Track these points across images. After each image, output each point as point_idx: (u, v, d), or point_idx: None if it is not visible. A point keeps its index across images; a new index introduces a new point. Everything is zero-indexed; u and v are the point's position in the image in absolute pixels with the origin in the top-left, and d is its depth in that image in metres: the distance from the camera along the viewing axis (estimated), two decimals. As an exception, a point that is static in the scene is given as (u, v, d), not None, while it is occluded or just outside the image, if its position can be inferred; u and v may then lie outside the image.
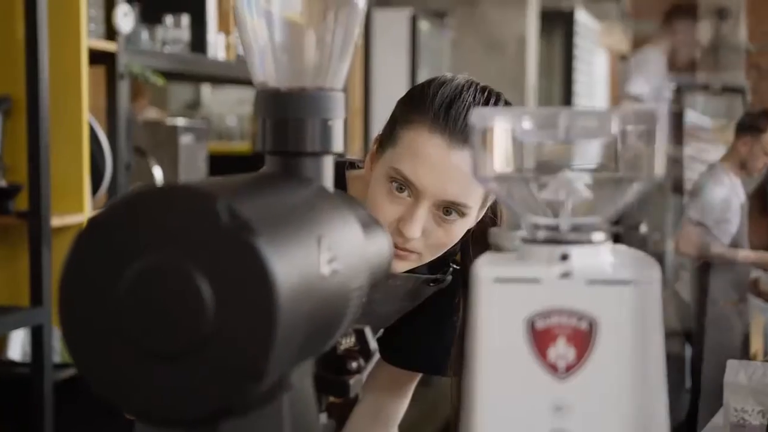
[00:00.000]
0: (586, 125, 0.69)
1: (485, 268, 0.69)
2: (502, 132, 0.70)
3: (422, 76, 5.74)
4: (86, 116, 2.51)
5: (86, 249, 0.64)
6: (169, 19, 3.08)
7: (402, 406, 1.53)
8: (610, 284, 0.67)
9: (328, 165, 0.80)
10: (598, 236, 0.70)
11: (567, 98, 7.40)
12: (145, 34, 2.99)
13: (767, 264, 4.20)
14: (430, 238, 1.27)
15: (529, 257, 0.70)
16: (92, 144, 2.56)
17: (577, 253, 0.69)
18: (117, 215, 0.64)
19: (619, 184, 0.70)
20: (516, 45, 5.61)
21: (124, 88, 2.70)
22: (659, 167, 0.69)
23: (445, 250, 1.30)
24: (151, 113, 4.46)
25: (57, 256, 2.42)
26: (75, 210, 2.51)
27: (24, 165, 2.41)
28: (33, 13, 2.37)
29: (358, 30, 0.81)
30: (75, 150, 2.49)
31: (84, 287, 0.63)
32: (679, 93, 4.68)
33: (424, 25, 5.16)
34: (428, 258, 1.30)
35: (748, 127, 4.08)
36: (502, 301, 0.68)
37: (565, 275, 0.68)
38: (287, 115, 0.78)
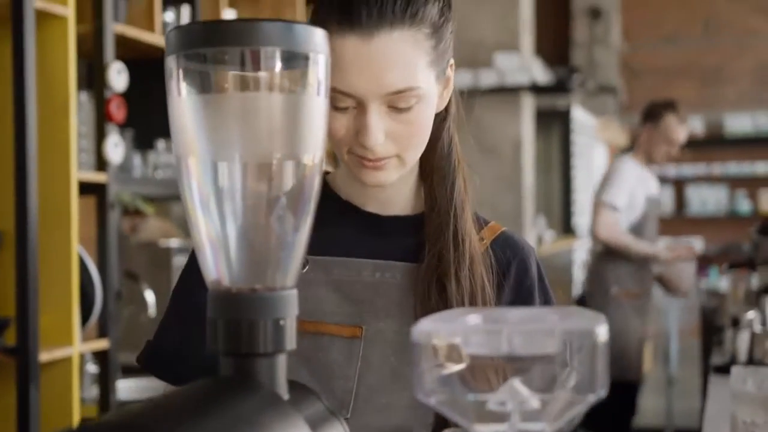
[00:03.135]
0: (528, 341, 0.69)
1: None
2: (445, 346, 0.70)
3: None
4: (75, 248, 2.52)
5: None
6: (161, 144, 3.11)
7: None
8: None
9: (281, 364, 0.79)
10: (548, 448, 0.69)
11: (566, 194, 7.43)
12: (137, 159, 3.02)
13: (661, 258, 4.24)
14: (397, 137, 1.17)
15: (477, 472, 0.69)
16: (82, 275, 2.56)
17: (525, 469, 0.68)
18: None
19: (565, 400, 0.69)
20: (512, 147, 5.65)
21: (114, 218, 2.72)
22: (603, 382, 0.68)
23: (424, 141, 1.21)
24: (154, 225, 4.47)
25: (45, 392, 2.40)
26: (64, 343, 2.50)
27: (13, 298, 2.41)
28: (23, 147, 2.39)
29: (308, 225, 0.82)
30: (64, 283, 2.49)
31: None
32: None
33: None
34: (411, 157, 1.21)
35: (648, 116, 4.31)
36: None
37: (512, 495, 0.67)
38: (239, 316, 0.78)
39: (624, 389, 4.19)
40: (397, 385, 1.24)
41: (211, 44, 0.77)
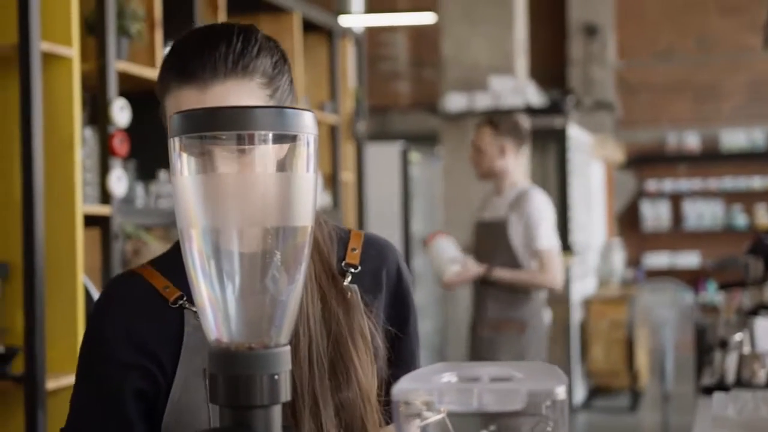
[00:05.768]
0: (497, 399, 0.77)
1: None
2: (422, 403, 0.78)
3: (415, 206, 5.88)
4: (81, 278, 2.60)
5: None
6: (163, 174, 3.20)
7: None
8: None
9: (276, 414, 0.88)
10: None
11: (563, 212, 7.49)
12: (140, 190, 3.11)
13: (524, 283, 3.95)
14: None
15: None
16: (87, 304, 2.64)
17: None
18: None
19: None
20: (507, 168, 5.70)
21: (117, 248, 2.80)
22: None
23: None
24: (156, 250, 4.53)
25: (52, 419, 2.48)
26: (70, 371, 2.58)
27: (21, 328, 2.49)
28: (30, 182, 2.48)
29: (300, 286, 0.90)
30: (70, 312, 2.58)
31: None
32: None
33: (415, 157, 5.30)
34: None
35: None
36: None
37: None
38: (238, 372, 0.86)
39: None
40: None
41: (209, 128, 0.86)
